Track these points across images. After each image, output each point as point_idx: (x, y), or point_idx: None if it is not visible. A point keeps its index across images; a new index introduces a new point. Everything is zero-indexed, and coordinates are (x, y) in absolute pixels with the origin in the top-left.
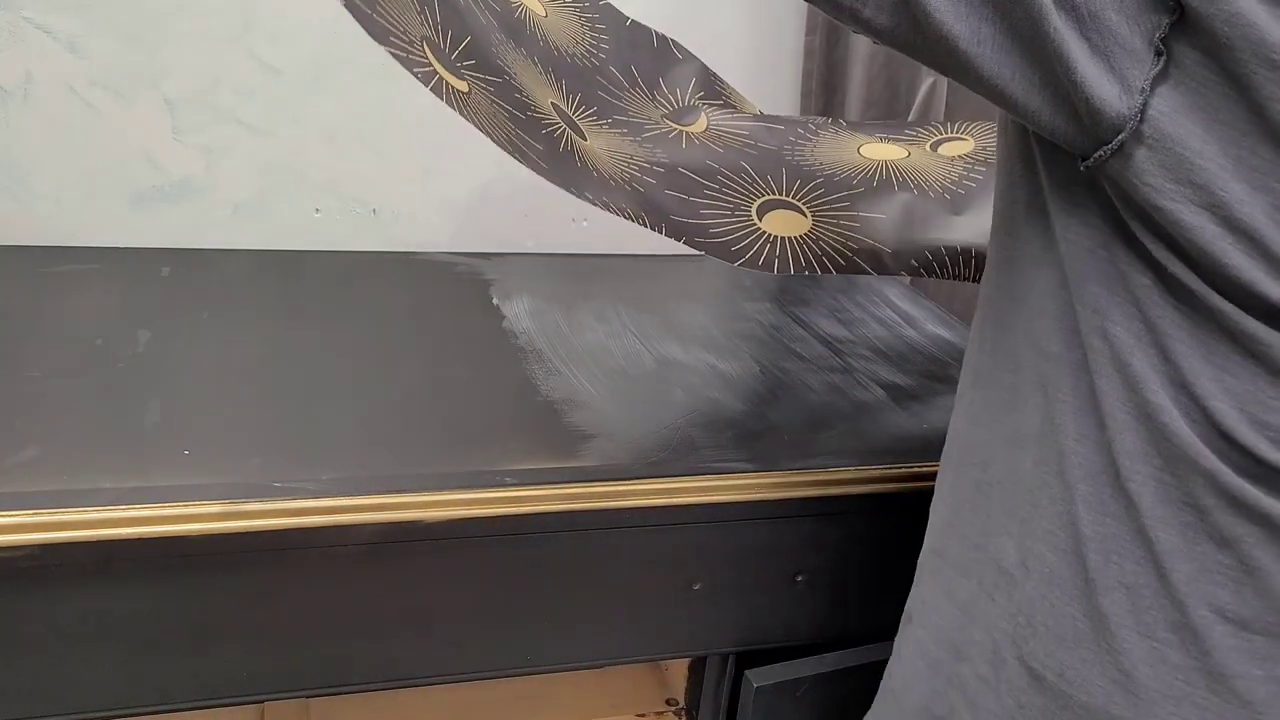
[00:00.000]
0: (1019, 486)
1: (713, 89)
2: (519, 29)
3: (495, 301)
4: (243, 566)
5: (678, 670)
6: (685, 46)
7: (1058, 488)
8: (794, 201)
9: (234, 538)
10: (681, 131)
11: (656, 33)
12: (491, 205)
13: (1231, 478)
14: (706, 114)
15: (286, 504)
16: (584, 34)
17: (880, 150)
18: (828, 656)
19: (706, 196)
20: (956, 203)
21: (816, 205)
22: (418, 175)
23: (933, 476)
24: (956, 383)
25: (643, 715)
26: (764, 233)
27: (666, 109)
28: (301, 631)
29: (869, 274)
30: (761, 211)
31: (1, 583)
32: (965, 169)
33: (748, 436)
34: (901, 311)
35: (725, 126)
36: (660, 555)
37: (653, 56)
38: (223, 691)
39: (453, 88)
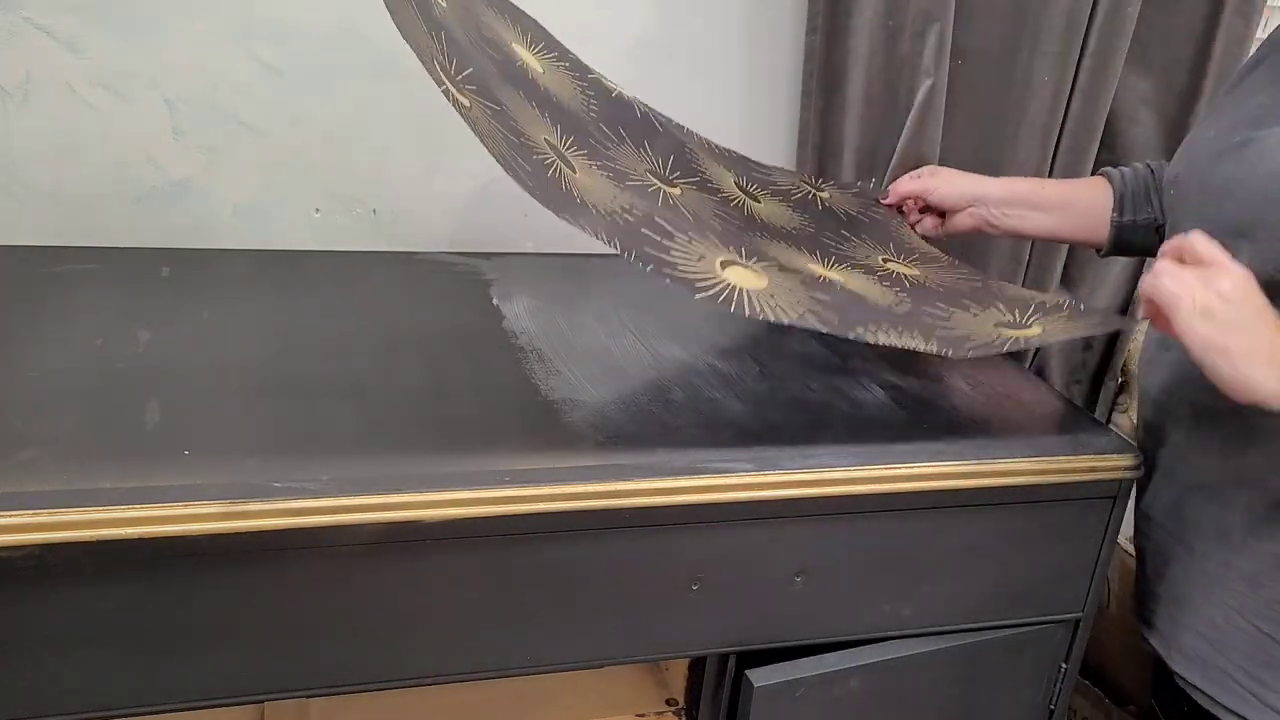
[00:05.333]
0: None
1: (689, 165)
2: (519, 76)
3: (495, 301)
4: (243, 566)
5: (678, 670)
6: (665, 115)
7: None
8: (753, 266)
9: (234, 538)
10: (660, 188)
11: (640, 106)
12: (491, 205)
13: None
14: (682, 186)
15: (286, 504)
16: (577, 94)
17: (822, 270)
18: (828, 656)
19: (678, 244)
20: (894, 316)
21: (770, 273)
22: (418, 175)
23: (931, 477)
24: (956, 383)
25: (642, 715)
26: (727, 282)
27: (650, 166)
28: (301, 631)
29: (823, 330)
30: (724, 265)
31: (1, 583)
32: (895, 298)
33: (748, 436)
34: None
35: (694, 206)
36: (660, 555)
37: (638, 123)
38: (223, 691)
39: (457, 100)
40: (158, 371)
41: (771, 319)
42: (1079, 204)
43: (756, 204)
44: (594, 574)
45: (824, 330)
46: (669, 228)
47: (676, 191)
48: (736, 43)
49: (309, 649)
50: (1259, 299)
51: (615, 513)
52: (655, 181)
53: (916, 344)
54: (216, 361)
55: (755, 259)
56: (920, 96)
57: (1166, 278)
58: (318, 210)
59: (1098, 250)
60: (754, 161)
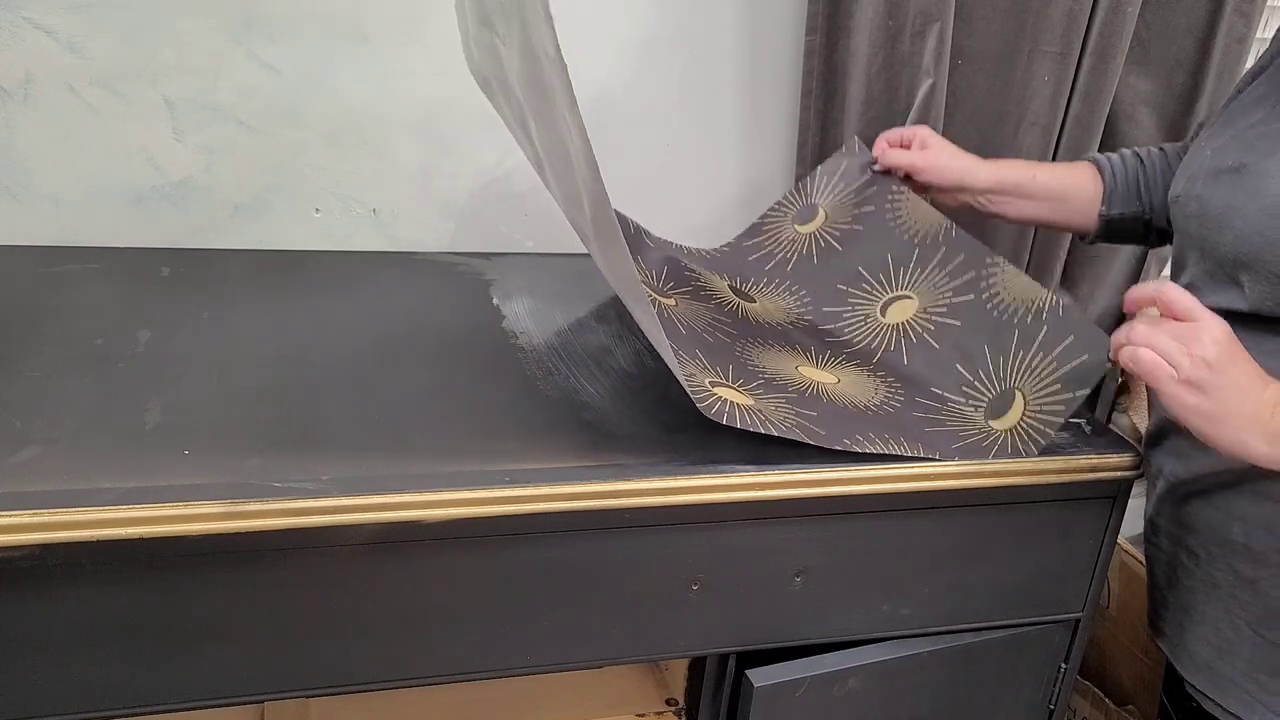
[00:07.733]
0: None
1: (681, 275)
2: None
3: (495, 301)
4: (243, 566)
5: (678, 670)
6: (652, 233)
7: None
8: (738, 389)
9: (234, 538)
10: (655, 299)
11: (633, 222)
12: (491, 205)
13: None
14: (676, 296)
15: (286, 504)
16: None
17: (814, 374)
18: (828, 656)
19: (672, 356)
20: (883, 420)
21: (757, 395)
22: (418, 175)
23: (931, 477)
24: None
25: (642, 715)
26: (718, 396)
27: (644, 278)
28: (301, 631)
29: (811, 443)
30: (713, 384)
31: (1, 583)
32: (888, 393)
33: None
34: None
35: (687, 317)
36: (660, 555)
37: (632, 238)
38: (223, 691)
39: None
40: (158, 371)
41: (762, 430)
42: (1069, 196)
43: (751, 304)
44: (594, 574)
45: (812, 443)
46: (663, 341)
47: (671, 302)
48: (736, 43)
49: (309, 649)
50: (1241, 356)
51: (615, 513)
52: (650, 293)
53: (903, 450)
54: (216, 362)
55: (741, 381)
56: (920, 96)
57: (1145, 351)
58: (318, 210)
59: (1083, 237)
60: (745, 235)
